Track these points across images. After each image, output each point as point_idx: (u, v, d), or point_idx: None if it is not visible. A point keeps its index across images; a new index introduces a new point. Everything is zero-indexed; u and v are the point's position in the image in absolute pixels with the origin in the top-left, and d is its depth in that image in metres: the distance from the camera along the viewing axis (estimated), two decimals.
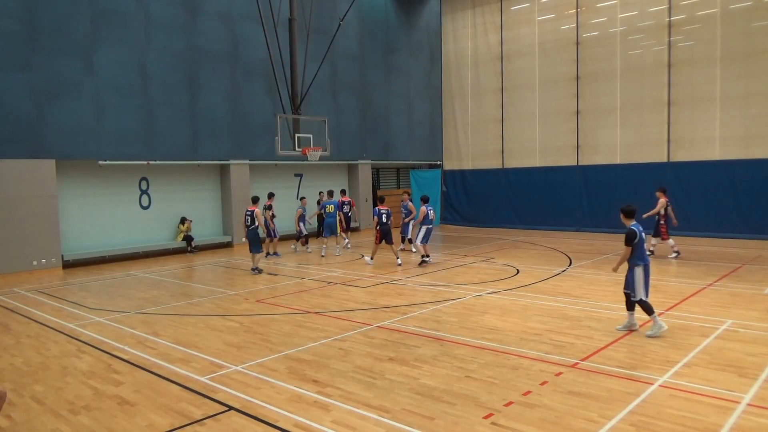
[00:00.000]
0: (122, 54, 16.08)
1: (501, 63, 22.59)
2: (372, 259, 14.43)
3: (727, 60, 17.28)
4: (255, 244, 13.36)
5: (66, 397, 5.85)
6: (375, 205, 16.69)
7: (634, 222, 7.57)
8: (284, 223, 18.15)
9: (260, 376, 6.29)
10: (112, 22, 15.85)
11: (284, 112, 17.22)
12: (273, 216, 16.19)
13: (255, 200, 14.03)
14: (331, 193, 17.49)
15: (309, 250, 17.28)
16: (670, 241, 13.90)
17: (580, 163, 20.74)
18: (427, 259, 13.85)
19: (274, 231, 16.12)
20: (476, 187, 23.86)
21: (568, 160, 21.01)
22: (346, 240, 17.53)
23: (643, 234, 7.52)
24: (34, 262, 14.58)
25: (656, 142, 18.85)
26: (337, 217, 16.94)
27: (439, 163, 25.49)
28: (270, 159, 19.31)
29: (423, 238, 13.75)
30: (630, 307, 7.53)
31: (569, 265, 13.23)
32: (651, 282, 10.70)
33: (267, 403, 5.48)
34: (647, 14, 18.84)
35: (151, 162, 16.89)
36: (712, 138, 17.80)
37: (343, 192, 19.35)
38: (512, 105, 22.40)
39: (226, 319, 8.99)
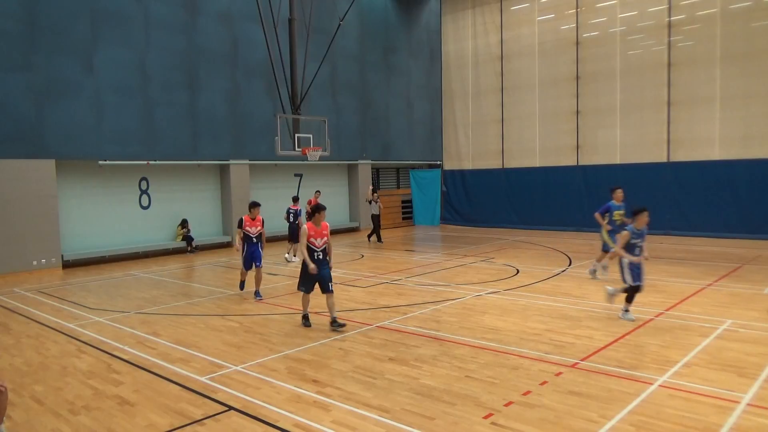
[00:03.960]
0: (122, 54, 16.08)
1: (501, 63, 22.59)
2: (295, 255, 15.02)
3: (727, 60, 17.28)
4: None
5: (66, 397, 5.85)
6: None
7: None
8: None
9: (260, 376, 6.29)
10: (112, 22, 15.84)
11: (284, 112, 17.21)
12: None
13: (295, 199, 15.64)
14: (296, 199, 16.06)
15: None
16: None
17: (580, 163, 20.74)
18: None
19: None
20: (476, 187, 23.86)
21: (568, 160, 21.01)
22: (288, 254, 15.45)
23: None
24: (34, 262, 14.58)
25: (656, 142, 18.85)
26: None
27: (439, 163, 25.49)
28: (270, 159, 19.31)
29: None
30: None
31: (569, 265, 13.23)
32: (650, 281, 10.66)
33: (267, 403, 5.48)
34: (647, 14, 18.84)
35: (151, 162, 16.89)
36: (712, 138, 17.80)
37: (294, 199, 16.11)
38: (512, 105, 22.40)
39: (226, 319, 8.99)
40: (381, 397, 5.53)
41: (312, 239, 8.13)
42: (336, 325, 8.10)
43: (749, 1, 16.87)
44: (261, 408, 5.38)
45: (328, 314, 8.23)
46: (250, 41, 18.97)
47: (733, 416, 4.86)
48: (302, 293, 8.34)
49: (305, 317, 8.44)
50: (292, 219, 15.46)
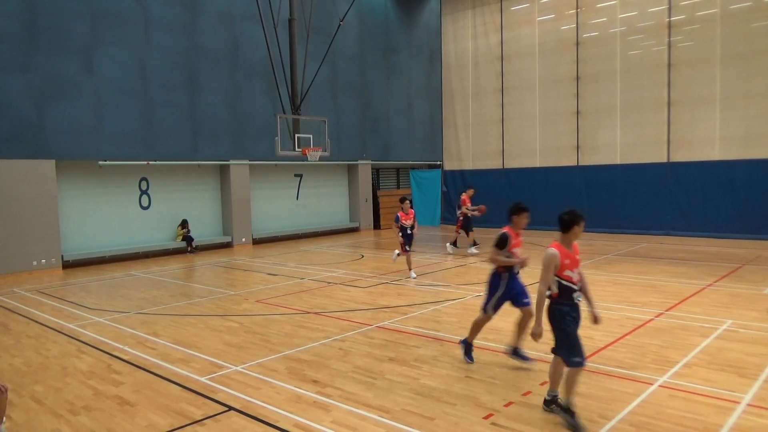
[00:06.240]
0: (122, 54, 16.08)
1: (501, 63, 22.58)
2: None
3: (727, 60, 17.27)
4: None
5: (66, 397, 5.85)
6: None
7: None
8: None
9: (260, 376, 6.29)
10: (112, 22, 15.84)
11: (284, 112, 17.20)
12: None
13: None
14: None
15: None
16: None
17: (580, 164, 20.74)
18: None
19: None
20: (476, 187, 23.72)
21: (568, 161, 21.00)
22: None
23: None
24: (34, 262, 14.57)
25: (656, 142, 18.85)
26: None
27: (439, 163, 25.48)
28: (270, 159, 19.31)
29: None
30: None
31: None
32: (650, 282, 10.62)
33: (267, 404, 5.48)
34: (647, 14, 18.83)
35: (151, 162, 16.89)
36: (712, 138, 17.80)
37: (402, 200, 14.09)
38: (512, 105, 22.39)
39: (226, 319, 8.99)
40: (381, 398, 5.53)
41: (568, 271, 5.01)
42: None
43: (749, 1, 16.87)
44: (261, 408, 5.38)
45: (328, 314, 8.11)
46: (250, 41, 18.97)
47: (733, 416, 4.86)
48: (575, 368, 4.83)
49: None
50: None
